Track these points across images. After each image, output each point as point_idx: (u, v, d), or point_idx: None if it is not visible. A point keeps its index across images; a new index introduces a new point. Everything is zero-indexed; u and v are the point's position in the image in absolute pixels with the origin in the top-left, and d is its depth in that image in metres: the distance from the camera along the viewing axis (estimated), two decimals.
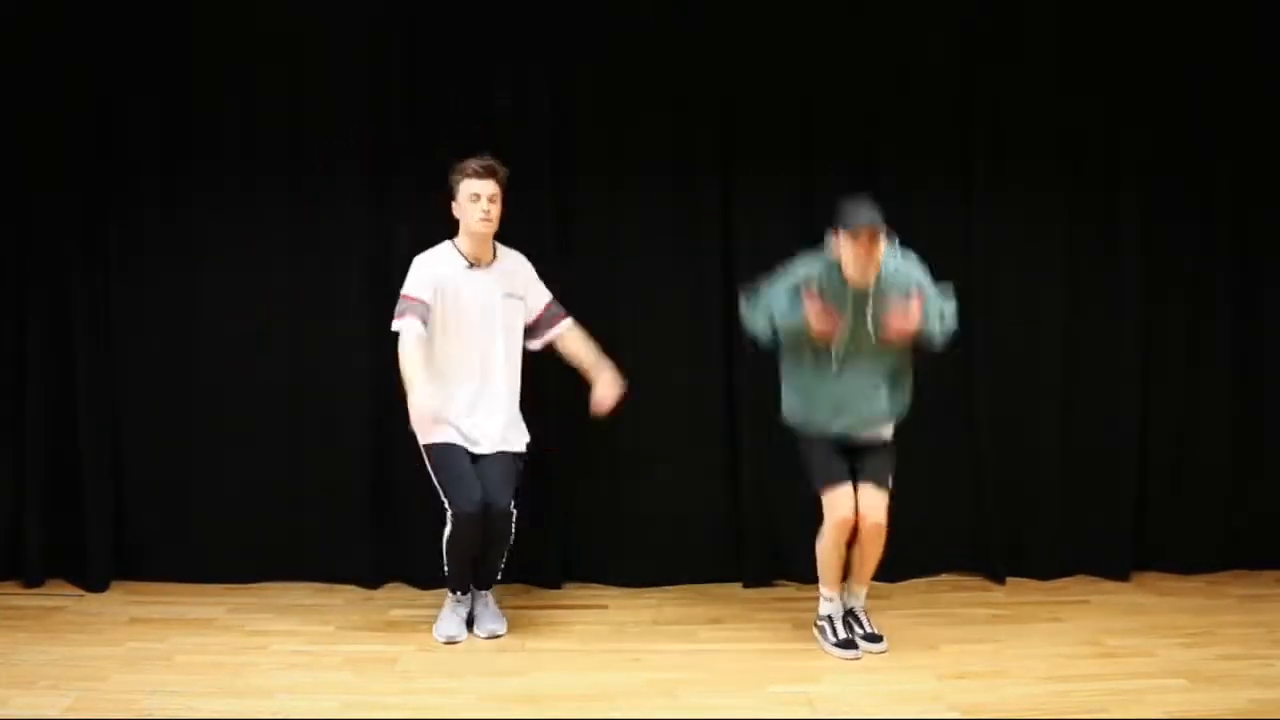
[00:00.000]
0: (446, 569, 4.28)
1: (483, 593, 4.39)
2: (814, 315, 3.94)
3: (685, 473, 4.89)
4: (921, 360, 4.24)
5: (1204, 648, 4.19)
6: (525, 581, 4.86)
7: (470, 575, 4.33)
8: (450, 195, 4.23)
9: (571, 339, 4.47)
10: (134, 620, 4.46)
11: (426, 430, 4.16)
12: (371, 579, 4.83)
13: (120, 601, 4.65)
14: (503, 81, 4.76)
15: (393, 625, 4.45)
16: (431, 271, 4.21)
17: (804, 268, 4.09)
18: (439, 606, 4.43)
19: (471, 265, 4.26)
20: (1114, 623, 4.46)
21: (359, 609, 4.63)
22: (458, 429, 4.24)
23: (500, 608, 4.44)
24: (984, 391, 4.90)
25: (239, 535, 4.83)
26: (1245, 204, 4.94)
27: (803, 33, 4.79)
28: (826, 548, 4.18)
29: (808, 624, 4.44)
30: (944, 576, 4.99)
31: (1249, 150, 4.91)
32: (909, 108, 4.81)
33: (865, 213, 3.92)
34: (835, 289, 4.02)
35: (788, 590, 4.87)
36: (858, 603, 4.28)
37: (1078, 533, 4.99)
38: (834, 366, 4.08)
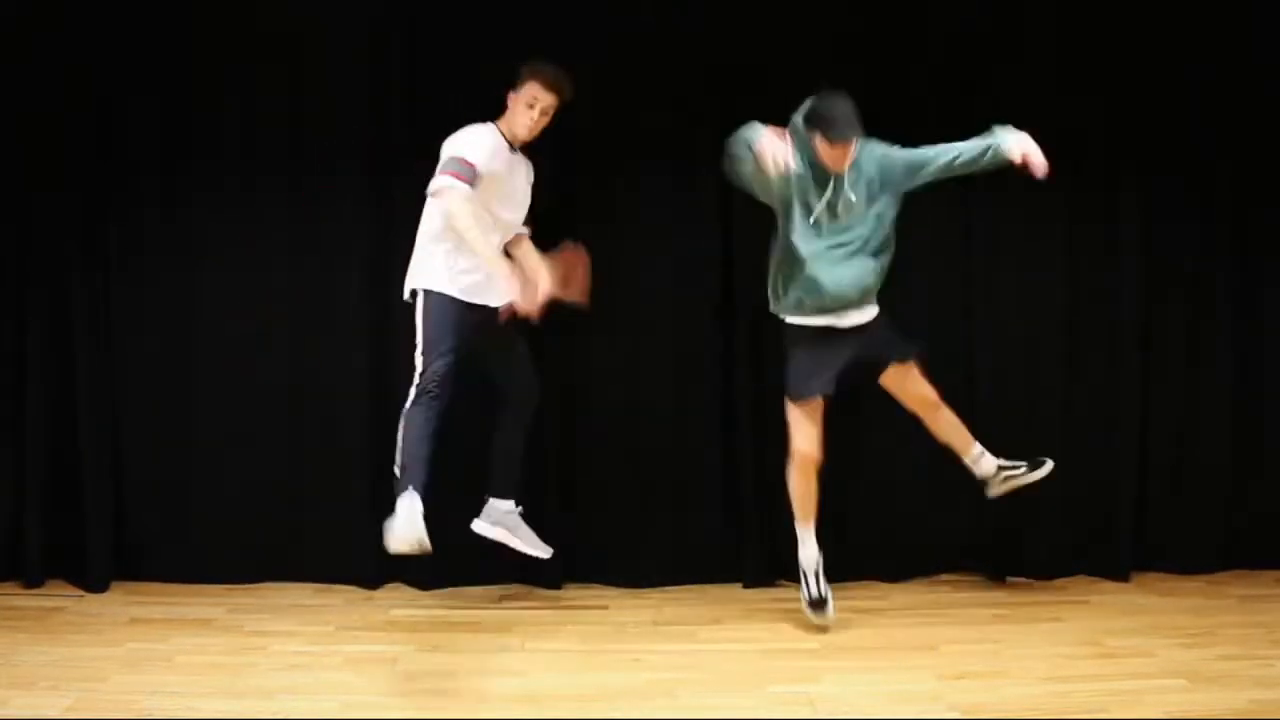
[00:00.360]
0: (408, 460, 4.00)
1: (507, 501, 4.39)
2: (765, 142, 3.99)
3: (685, 473, 4.89)
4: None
5: (1204, 648, 4.19)
6: (525, 581, 4.86)
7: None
8: (514, 83, 4.21)
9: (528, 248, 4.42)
10: (134, 620, 4.46)
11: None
12: (371, 579, 4.83)
13: (120, 602, 4.65)
14: (503, 81, 4.75)
15: (393, 625, 4.45)
16: (493, 142, 4.20)
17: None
18: (439, 606, 4.42)
19: (512, 149, 4.29)
20: (1114, 623, 4.46)
21: (359, 609, 4.63)
22: (472, 283, 4.17)
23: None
24: (984, 391, 4.90)
25: (239, 535, 4.83)
26: (1245, 204, 4.94)
27: (802, 32, 4.79)
28: (794, 477, 4.31)
29: (808, 624, 4.44)
30: (944, 576, 4.99)
31: (1249, 150, 4.91)
32: (909, 107, 4.80)
33: (844, 125, 4.02)
34: (809, 169, 4.13)
35: (788, 590, 4.85)
36: (987, 467, 4.46)
37: (1078, 533, 4.99)
38: (821, 228, 4.16)
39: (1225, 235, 4.95)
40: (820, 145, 4.08)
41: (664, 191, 4.84)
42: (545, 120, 4.22)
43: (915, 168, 4.19)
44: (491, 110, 4.71)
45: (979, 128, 4.82)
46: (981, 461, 4.44)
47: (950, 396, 4.83)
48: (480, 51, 4.72)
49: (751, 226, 4.82)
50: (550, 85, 4.17)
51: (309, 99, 4.75)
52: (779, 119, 4.78)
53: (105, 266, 4.77)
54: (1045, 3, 4.83)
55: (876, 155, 4.19)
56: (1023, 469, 4.42)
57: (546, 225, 4.75)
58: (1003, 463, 4.43)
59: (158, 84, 4.71)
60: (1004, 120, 4.81)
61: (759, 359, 4.84)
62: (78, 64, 4.65)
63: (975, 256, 4.87)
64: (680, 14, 4.77)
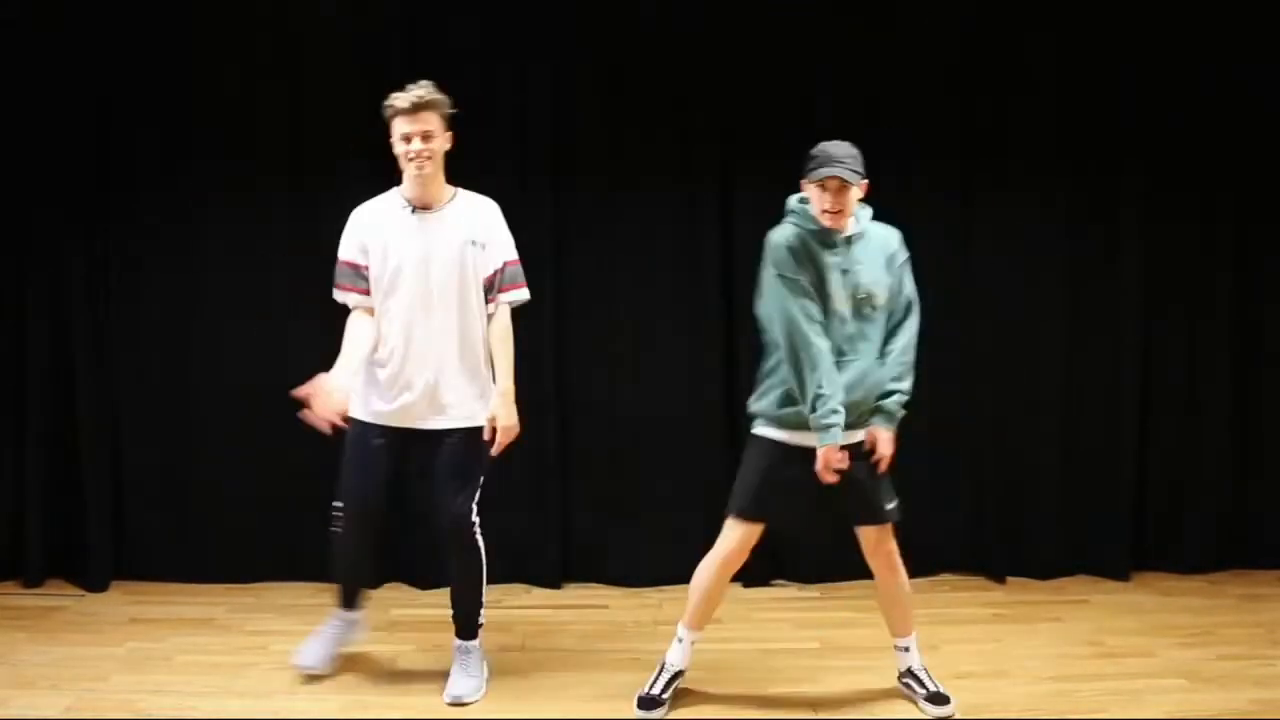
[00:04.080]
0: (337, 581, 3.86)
1: (459, 642, 3.85)
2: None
3: (685, 472, 4.89)
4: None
5: (1204, 648, 4.19)
6: (525, 581, 4.86)
7: (356, 588, 3.90)
8: (387, 134, 3.66)
9: (502, 325, 3.77)
10: (134, 620, 4.46)
11: (322, 404, 3.50)
12: (371, 579, 4.82)
13: (120, 601, 4.65)
14: (503, 81, 4.76)
15: (393, 625, 4.45)
16: (362, 224, 3.69)
17: (784, 268, 3.53)
18: (439, 606, 4.38)
19: (415, 209, 3.66)
20: (1114, 623, 4.47)
21: None
22: (389, 403, 3.70)
23: (484, 661, 3.90)
24: (984, 391, 4.90)
25: (239, 535, 4.83)
26: (1245, 206, 4.94)
27: (802, 33, 4.79)
28: (710, 574, 3.68)
29: (808, 624, 4.45)
30: (944, 576, 4.99)
31: (1249, 152, 4.91)
32: (909, 108, 4.81)
33: (832, 164, 3.47)
34: (812, 249, 3.53)
35: (788, 590, 4.87)
36: (914, 659, 3.80)
37: (1078, 533, 4.99)
38: (844, 318, 3.54)
39: (1225, 237, 4.95)
40: (813, 192, 3.52)
41: (664, 191, 4.84)
42: (436, 142, 3.62)
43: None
44: (491, 110, 4.73)
45: (979, 127, 4.85)
46: (905, 655, 3.79)
47: (950, 396, 4.85)
48: (480, 51, 4.73)
49: (752, 227, 4.83)
50: (407, 111, 3.58)
51: (309, 99, 4.76)
52: (779, 118, 4.80)
53: (105, 267, 4.77)
54: (1046, 3, 4.83)
55: (888, 245, 3.65)
56: (924, 694, 3.72)
57: (546, 225, 4.78)
58: (917, 671, 3.77)
59: (157, 84, 4.72)
60: (1004, 120, 4.85)
61: (759, 358, 4.83)
62: (78, 64, 4.65)
63: (975, 257, 4.87)
64: (680, 14, 4.77)
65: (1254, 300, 4.99)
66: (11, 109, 4.66)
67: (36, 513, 4.75)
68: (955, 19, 4.82)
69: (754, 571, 4.88)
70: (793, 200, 3.63)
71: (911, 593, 3.77)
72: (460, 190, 3.78)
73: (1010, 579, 4.94)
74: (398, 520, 4.75)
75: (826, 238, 3.53)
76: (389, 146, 4.65)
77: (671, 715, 3.69)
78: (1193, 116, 4.88)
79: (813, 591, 4.82)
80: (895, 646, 3.82)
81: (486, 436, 3.69)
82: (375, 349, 3.70)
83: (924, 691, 3.74)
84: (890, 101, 4.79)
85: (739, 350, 4.85)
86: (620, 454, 4.88)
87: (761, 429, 3.64)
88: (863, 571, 4.74)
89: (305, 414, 3.52)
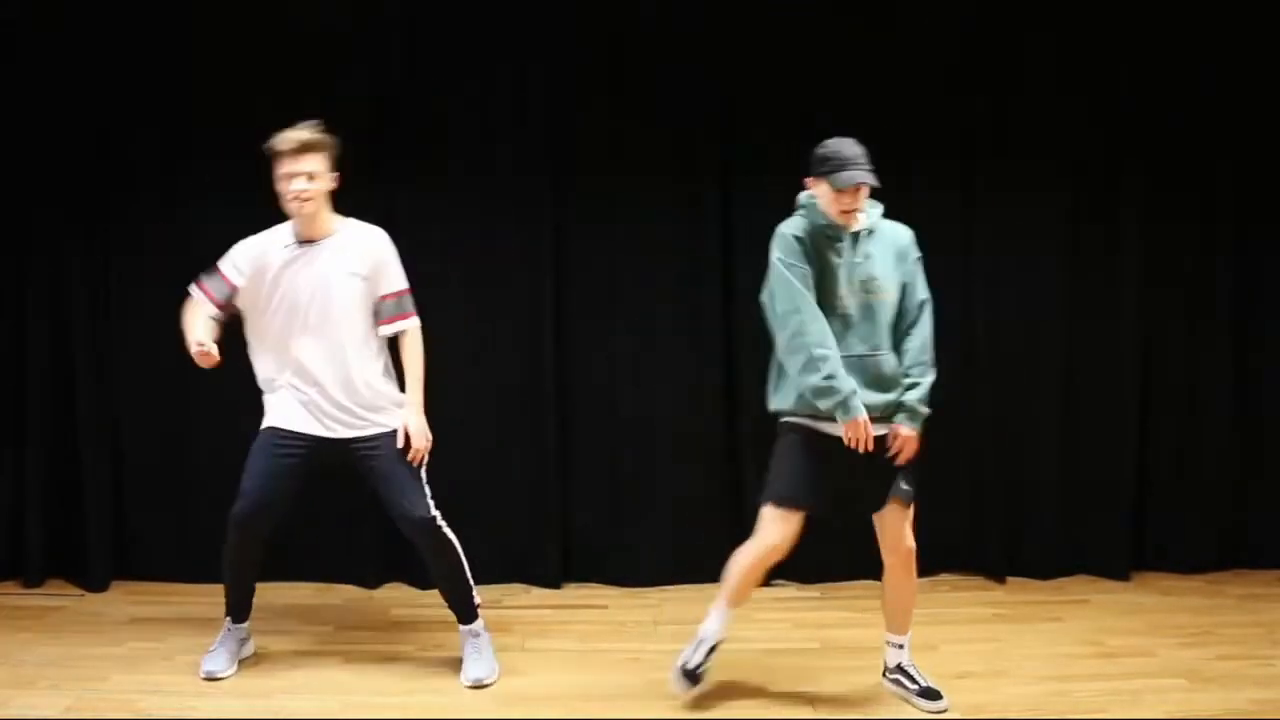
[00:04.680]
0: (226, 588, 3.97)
1: (464, 627, 3.97)
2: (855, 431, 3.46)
3: (685, 473, 4.89)
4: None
5: (1204, 648, 4.19)
6: (525, 581, 4.86)
7: (248, 598, 3.99)
8: (273, 171, 3.74)
9: (406, 345, 3.90)
10: (134, 620, 4.46)
11: (196, 357, 3.69)
12: (371, 579, 4.83)
13: (120, 601, 4.66)
14: (503, 81, 4.76)
15: (393, 625, 4.45)
16: (248, 251, 3.81)
17: (791, 256, 3.55)
18: (439, 606, 4.42)
19: (300, 243, 3.78)
20: (1114, 623, 4.47)
21: (359, 609, 4.63)
22: (291, 411, 3.84)
23: (494, 647, 4.02)
24: (984, 391, 4.90)
25: None
26: (1245, 204, 4.94)
27: (803, 33, 4.79)
28: (749, 561, 3.66)
29: (808, 624, 4.45)
30: (944, 576, 4.99)
31: (1249, 150, 4.91)
32: (909, 107, 4.81)
33: (857, 168, 3.49)
34: (821, 245, 3.54)
35: (788, 590, 4.87)
36: (904, 655, 3.79)
37: (1078, 533, 4.99)
38: (850, 319, 3.54)
39: (1225, 235, 4.95)
40: (826, 194, 3.52)
41: (664, 192, 4.84)
42: (320, 182, 3.73)
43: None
44: (491, 109, 4.73)
45: (979, 127, 4.85)
46: (898, 652, 3.77)
47: (950, 396, 4.83)
48: (480, 52, 4.73)
49: (752, 227, 4.83)
50: (286, 153, 3.66)
51: (309, 99, 4.73)
52: (779, 118, 4.80)
53: (105, 266, 4.78)
54: (1046, 4, 4.83)
55: (902, 240, 3.67)
56: (915, 689, 3.71)
57: (546, 225, 4.78)
58: (907, 666, 3.76)
59: (157, 84, 4.72)
60: (1004, 120, 4.85)
61: (759, 358, 4.83)
62: (78, 64, 4.65)
63: (975, 256, 4.87)
64: (680, 14, 4.77)
65: (1254, 300, 4.99)
66: (11, 109, 4.66)
67: (36, 513, 4.75)
68: (955, 19, 4.82)
69: None
70: (803, 196, 3.62)
71: (914, 596, 3.77)
72: (351, 222, 3.89)
73: (1010, 579, 4.94)
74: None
75: (837, 234, 3.54)
76: (388, 147, 4.71)
77: (671, 715, 3.69)
78: (1193, 116, 4.88)
79: (813, 591, 4.82)
80: (888, 642, 3.80)
81: (400, 444, 3.82)
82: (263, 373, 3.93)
83: (915, 687, 3.74)
84: (890, 101, 4.79)
85: (739, 350, 4.86)
86: (620, 454, 4.88)
87: (791, 418, 3.64)
88: (863, 571, 4.77)
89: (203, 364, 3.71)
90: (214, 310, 3.83)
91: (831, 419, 3.52)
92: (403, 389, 3.93)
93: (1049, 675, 3.95)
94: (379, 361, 3.91)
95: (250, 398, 4.78)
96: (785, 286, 3.53)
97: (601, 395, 4.89)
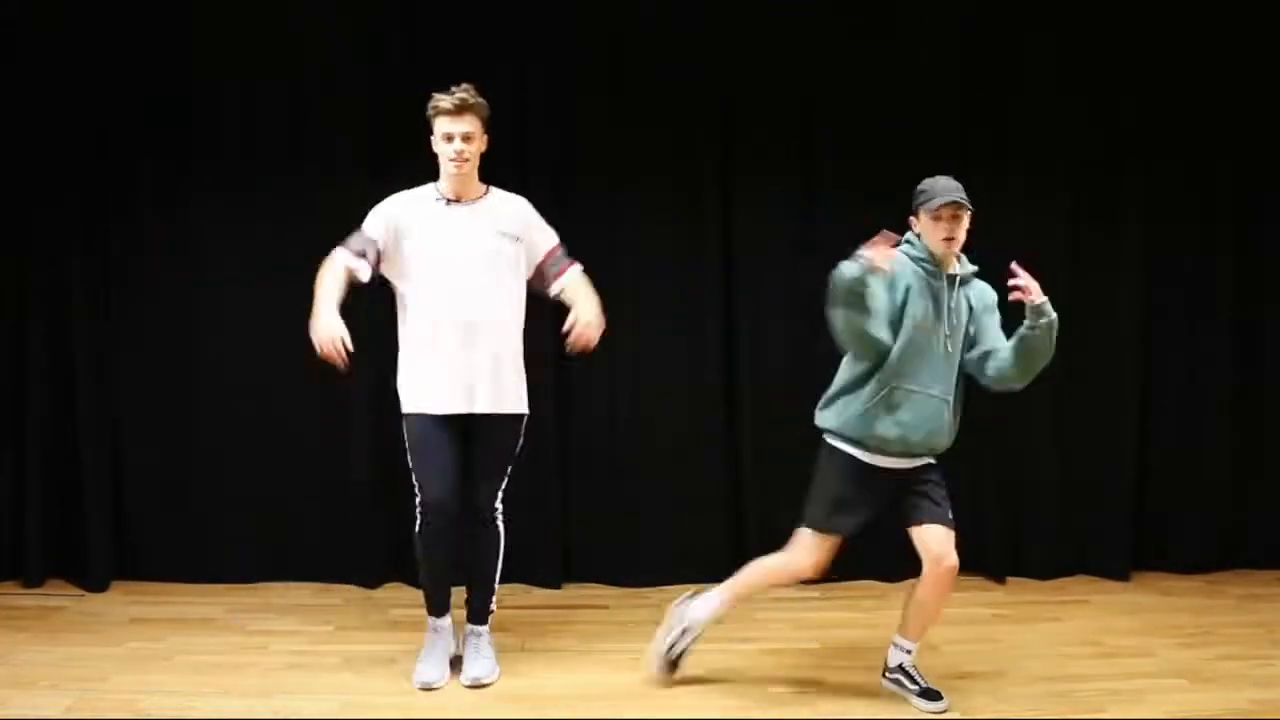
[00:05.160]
0: (424, 586, 3.93)
1: (471, 627, 3.99)
2: (873, 249, 3.34)
3: (685, 472, 4.89)
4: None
5: (1204, 648, 4.19)
6: (525, 581, 4.87)
7: (446, 594, 3.93)
8: (428, 131, 3.80)
9: (574, 286, 3.90)
10: (134, 620, 4.46)
11: (323, 345, 3.63)
12: (371, 579, 4.83)
13: (120, 601, 4.65)
14: (503, 81, 4.76)
15: (393, 625, 4.45)
16: (394, 209, 3.80)
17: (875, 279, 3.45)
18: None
19: (450, 201, 3.80)
20: (1114, 623, 4.47)
21: (359, 609, 4.63)
22: (436, 388, 3.77)
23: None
24: (983, 391, 4.89)
25: (239, 535, 4.83)
26: (1245, 204, 4.94)
27: (803, 33, 4.79)
28: (770, 572, 3.74)
29: (808, 624, 4.45)
30: None
31: (1249, 150, 4.92)
32: (909, 107, 4.81)
33: (949, 191, 3.53)
34: (921, 281, 3.56)
35: (787, 590, 4.85)
36: (909, 658, 3.78)
37: (1078, 533, 4.99)
38: (942, 346, 3.57)
39: (1225, 235, 4.95)
40: (926, 224, 3.55)
41: (664, 192, 4.84)
42: (475, 144, 3.74)
43: (979, 331, 3.69)
44: (491, 109, 4.73)
45: (980, 127, 4.85)
46: (903, 655, 3.76)
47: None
48: (480, 51, 4.73)
49: (752, 227, 4.84)
50: (452, 111, 3.70)
51: (309, 99, 4.76)
52: (779, 118, 4.81)
53: (105, 268, 4.78)
54: (1046, 4, 4.83)
55: (989, 298, 3.72)
56: (916, 690, 3.72)
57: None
58: (909, 668, 3.76)
59: (158, 84, 4.72)
60: (1004, 120, 4.85)
61: (760, 359, 4.84)
62: (78, 65, 4.65)
63: (975, 256, 4.86)
64: (680, 14, 4.77)
65: (1254, 300, 4.99)
66: (12, 109, 4.66)
67: (36, 513, 4.75)
68: (955, 19, 4.82)
69: None
70: (909, 234, 3.62)
71: (939, 608, 3.69)
72: (493, 188, 3.89)
73: (1010, 579, 4.94)
74: (397, 520, 4.79)
75: (936, 273, 3.58)
76: (389, 147, 4.71)
77: (671, 715, 3.69)
78: (1193, 116, 4.88)
79: (813, 591, 4.81)
80: (896, 644, 3.78)
81: (572, 335, 3.77)
82: (414, 335, 3.82)
83: (916, 688, 3.74)
84: (890, 101, 4.80)
85: (739, 350, 4.86)
86: (620, 454, 4.88)
87: (840, 444, 3.63)
88: (863, 571, 4.78)
89: (324, 358, 3.64)
90: (359, 266, 3.75)
91: (883, 452, 3.57)
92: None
93: (1049, 675, 3.95)
94: (520, 332, 3.88)
95: (250, 397, 4.81)
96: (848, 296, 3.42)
97: (601, 395, 4.89)
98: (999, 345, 3.65)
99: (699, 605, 3.83)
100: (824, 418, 3.67)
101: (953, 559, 3.57)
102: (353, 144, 4.75)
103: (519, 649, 4.22)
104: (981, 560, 4.99)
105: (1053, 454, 4.97)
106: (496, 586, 3.98)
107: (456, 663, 3.96)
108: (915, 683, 3.75)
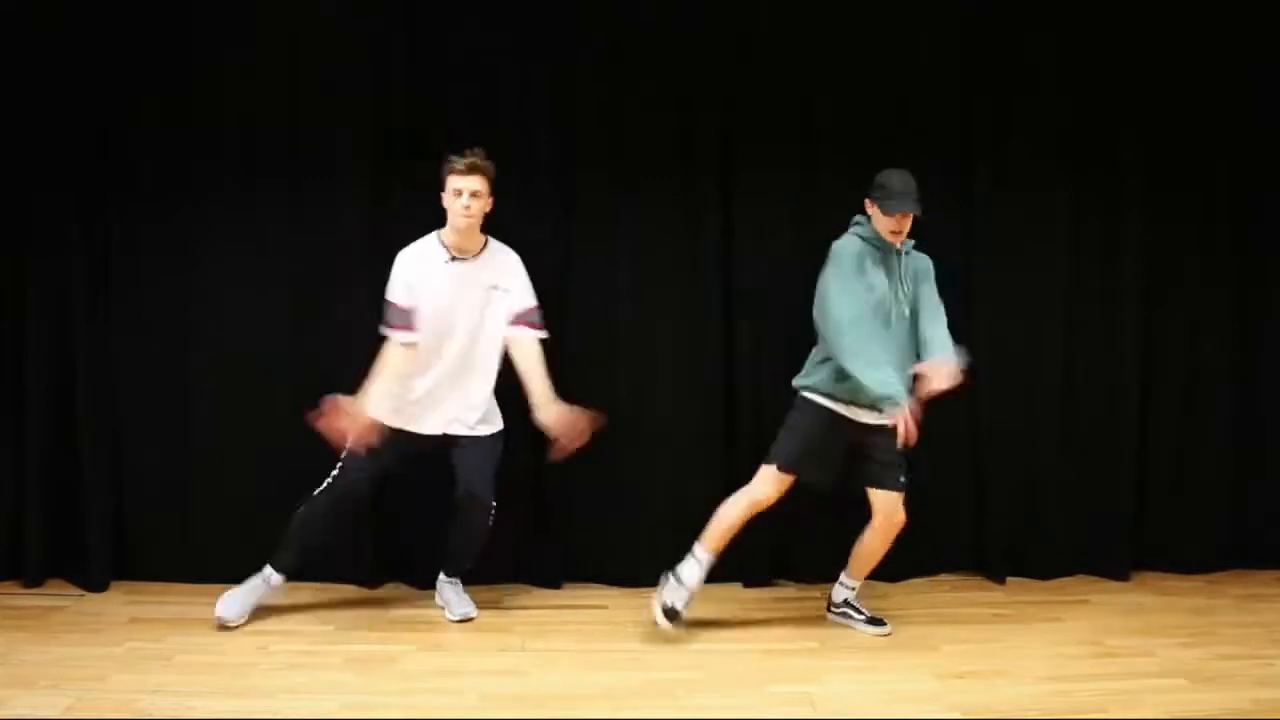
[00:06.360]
0: (290, 537, 4.38)
1: (451, 579, 4.55)
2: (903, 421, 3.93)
3: (685, 473, 4.89)
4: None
5: (1204, 648, 4.19)
6: (525, 581, 4.87)
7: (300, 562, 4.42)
8: (442, 187, 4.29)
9: (529, 350, 4.37)
10: (134, 620, 4.46)
11: (353, 434, 4.19)
12: (371, 579, 4.83)
13: (120, 601, 4.65)
14: (504, 81, 4.76)
15: (393, 625, 4.45)
16: (409, 271, 4.32)
17: (852, 270, 4.08)
18: (439, 606, 4.46)
19: (454, 258, 4.33)
20: (1114, 623, 4.47)
21: (359, 609, 4.63)
22: (409, 414, 4.33)
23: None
24: (984, 391, 4.90)
25: (239, 535, 4.82)
26: (1245, 204, 4.94)
27: (803, 32, 4.79)
28: (736, 507, 4.24)
29: (808, 624, 4.45)
30: (944, 576, 5.00)
31: (1249, 150, 4.92)
32: (909, 107, 4.81)
33: (904, 199, 4.07)
34: (875, 256, 4.13)
35: (788, 590, 4.87)
36: (852, 594, 4.41)
37: (1078, 533, 4.99)
38: (890, 321, 4.10)
39: (1225, 235, 4.95)
40: (877, 216, 4.12)
41: (664, 191, 4.84)
42: (481, 201, 4.26)
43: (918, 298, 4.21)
44: (492, 109, 4.73)
45: (980, 127, 4.85)
46: (848, 591, 4.42)
47: (950, 397, 4.84)
48: (481, 51, 4.73)
49: (752, 227, 4.84)
50: (463, 171, 4.22)
51: (309, 99, 4.75)
52: (779, 118, 4.81)
53: (105, 266, 4.77)
54: (1046, 4, 4.83)
55: (924, 264, 4.25)
56: (862, 618, 4.38)
57: (547, 225, 4.78)
58: (854, 601, 4.42)
59: (157, 83, 4.71)
60: (1005, 119, 4.85)
61: (759, 359, 4.84)
62: (78, 64, 4.64)
63: (975, 257, 4.88)
64: (680, 14, 4.77)
65: (1254, 300, 4.99)
66: (12, 108, 4.65)
67: (36, 513, 4.74)
68: (956, 20, 4.82)
69: (754, 571, 4.90)
70: (859, 216, 4.20)
71: (883, 551, 4.29)
72: (490, 240, 4.41)
73: (1010, 579, 4.94)
74: (397, 520, 4.79)
75: (886, 251, 4.13)
76: (389, 146, 4.71)
77: (670, 716, 3.69)
78: (1192, 116, 4.89)
79: (813, 591, 4.81)
80: (841, 583, 4.40)
81: (562, 437, 4.26)
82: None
83: (862, 616, 4.37)
84: (890, 101, 4.79)
85: (739, 350, 4.86)
86: (620, 454, 4.88)
87: (813, 395, 4.18)
88: None
89: (323, 424, 4.13)
90: (414, 337, 4.29)
91: (854, 404, 4.10)
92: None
93: (1049, 675, 3.95)
94: (497, 367, 4.42)
95: (250, 397, 4.80)
96: (848, 297, 4.04)
97: (601, 394, 4.88)
98: (928, 334, 4.16)
99: (687, 570, 4.26)
100: (800, 380, 4.24)
101: (900, 516, 4.19)
102: (353, 144, 4.74)
103: (519, 649, 4.22)
104: (981, 560, 4.99)
105: (1053, 454, 4.97)
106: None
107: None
108: (860, 613, 4.37)
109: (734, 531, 4.26)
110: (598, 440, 4.87)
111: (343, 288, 4.77)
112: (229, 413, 4.82)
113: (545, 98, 4.77)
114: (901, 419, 3.91)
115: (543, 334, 4.41)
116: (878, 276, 4.10)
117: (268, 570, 4.38)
